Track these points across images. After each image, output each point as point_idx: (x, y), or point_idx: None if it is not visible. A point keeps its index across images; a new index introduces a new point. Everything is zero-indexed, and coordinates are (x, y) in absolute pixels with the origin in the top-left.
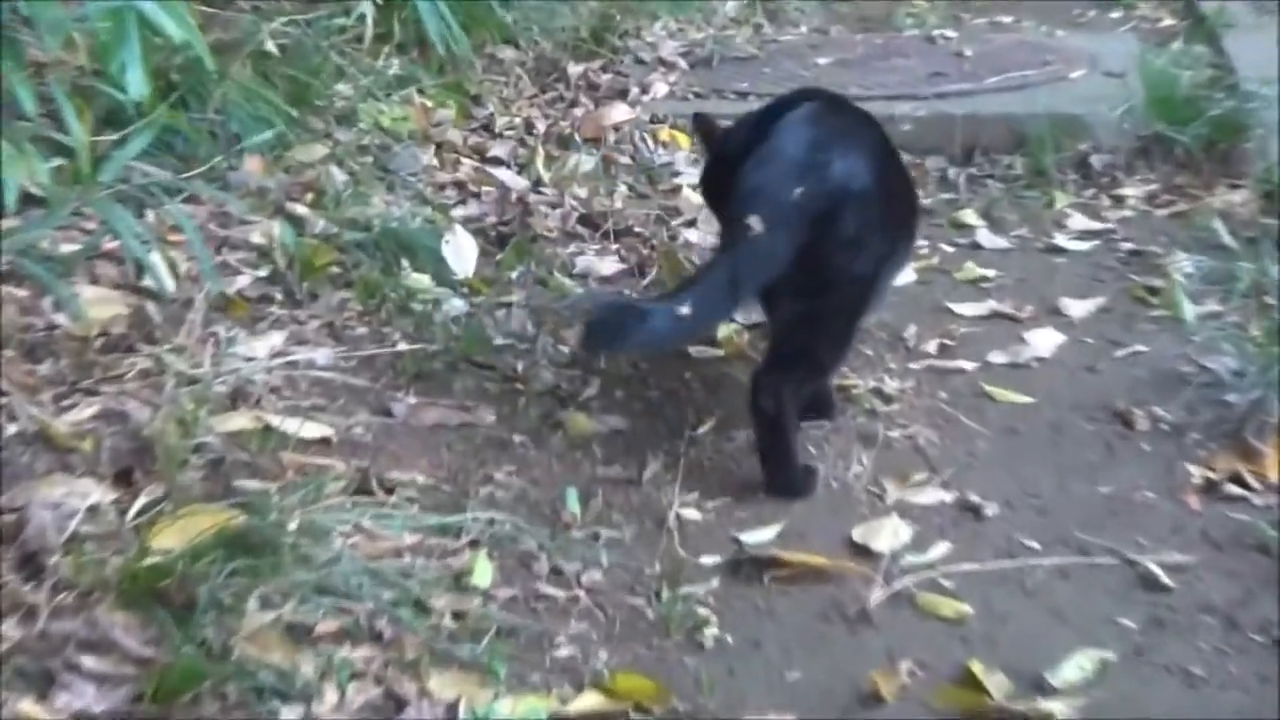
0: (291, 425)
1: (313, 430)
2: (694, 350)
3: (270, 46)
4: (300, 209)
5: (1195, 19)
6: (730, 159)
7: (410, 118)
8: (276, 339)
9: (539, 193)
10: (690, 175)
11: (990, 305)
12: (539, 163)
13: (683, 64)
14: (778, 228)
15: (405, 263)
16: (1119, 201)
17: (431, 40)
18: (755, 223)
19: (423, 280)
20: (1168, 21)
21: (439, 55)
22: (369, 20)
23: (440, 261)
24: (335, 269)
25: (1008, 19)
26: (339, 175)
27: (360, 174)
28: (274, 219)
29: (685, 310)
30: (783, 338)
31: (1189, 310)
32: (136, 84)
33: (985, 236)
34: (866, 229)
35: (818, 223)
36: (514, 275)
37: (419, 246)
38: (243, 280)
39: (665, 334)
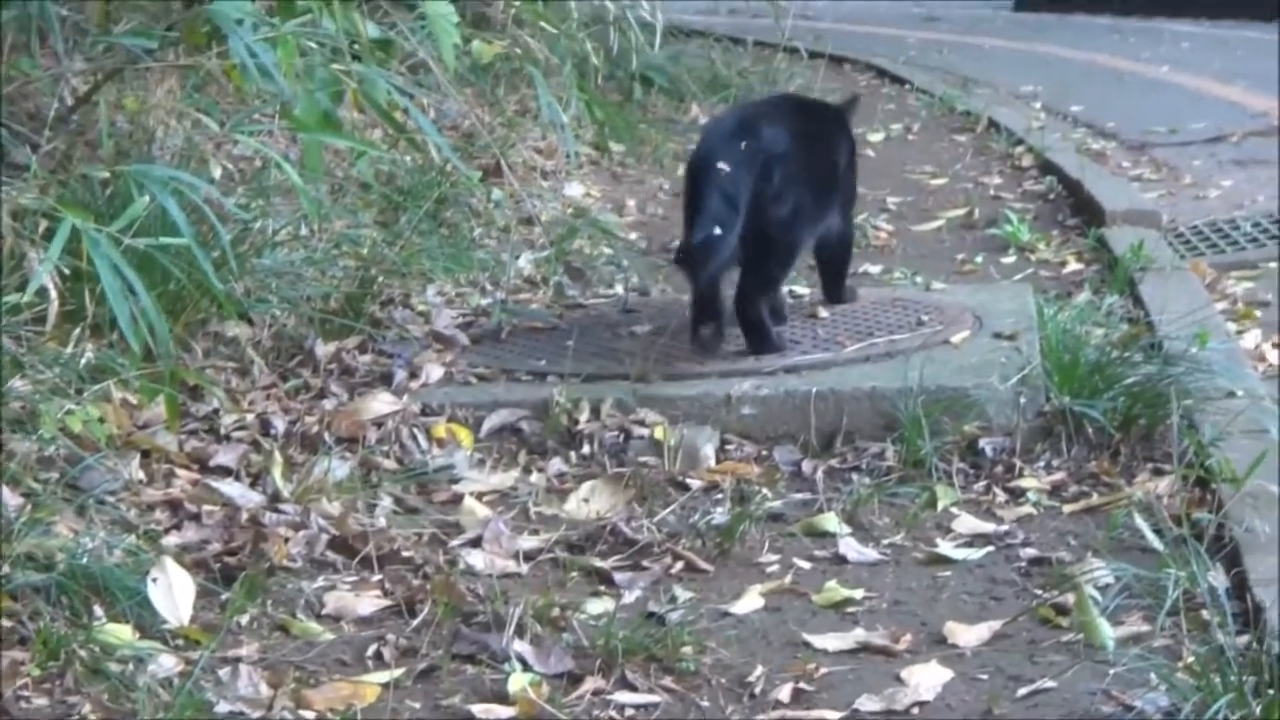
0: None
1: None
2: (479, 710)
3: None
4: None
5: (1106, 262)
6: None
7: (108, 419)
8: None
9: (277, 511)
10: (474, 479)
11: (858, 636)
12: (277, 472)
13: (463, 338)
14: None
15: (99, 610)
16: (1016, 497)
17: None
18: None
19: (122, 632)
20: (1073, 266)
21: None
22: (52, 296)
23: (146, 606)
24: (5, 623)
25: (874, 268)
26: (12, 498)
27: (41, 495)
28: None
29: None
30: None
31: (1106, 633)
32: None
33: (850, 547)
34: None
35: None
36: (244, 620)
37: (117, 588)
38: None
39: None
